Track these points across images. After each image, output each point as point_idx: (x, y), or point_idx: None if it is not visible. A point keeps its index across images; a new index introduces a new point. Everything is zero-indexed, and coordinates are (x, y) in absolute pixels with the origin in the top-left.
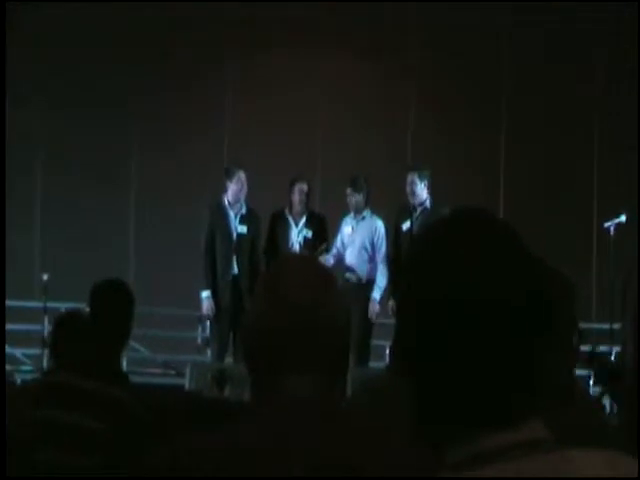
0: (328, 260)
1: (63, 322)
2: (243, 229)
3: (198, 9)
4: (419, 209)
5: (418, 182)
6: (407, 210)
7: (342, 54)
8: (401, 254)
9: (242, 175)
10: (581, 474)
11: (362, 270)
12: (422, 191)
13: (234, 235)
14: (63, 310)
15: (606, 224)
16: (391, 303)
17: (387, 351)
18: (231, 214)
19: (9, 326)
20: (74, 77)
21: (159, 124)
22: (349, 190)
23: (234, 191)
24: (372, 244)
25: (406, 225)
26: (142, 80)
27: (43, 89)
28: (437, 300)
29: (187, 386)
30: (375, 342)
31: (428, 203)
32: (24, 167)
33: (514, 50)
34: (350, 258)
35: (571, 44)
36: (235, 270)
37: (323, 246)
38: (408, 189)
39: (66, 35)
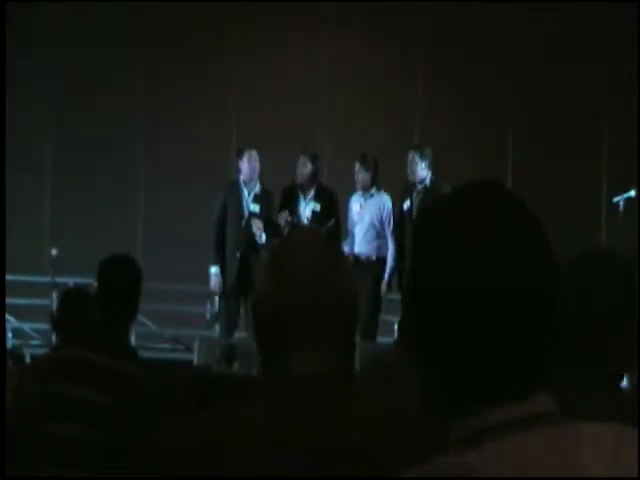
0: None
1: (67, 298)
2: (255, 208)
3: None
4: (419, 187)
5: (419, 161)
6: (407, 189)
7: (344, 35)
8: (403, 233)
9: (254, 153)
10: (585, 447)
11: (371, 247)
12: (422, 170)
13: (245, 213)
14: (72, 285)
15: (615, 199)
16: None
17: (395, 326)
18: (245, 193)
19: (18, 301)
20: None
21: (164, 114)
22: (357, 166)
23: (246, 169)
24: (381, 221)
25: (406, 204)
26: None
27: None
28: (440, 281)
29: (196, 361)
30: (383, 317)
31: (428, 181)
32: (34, 142)
33: (523, 29)
34: (359, 235)
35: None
36: (244, 248)
37: (331, 222)
38: (408, 168)
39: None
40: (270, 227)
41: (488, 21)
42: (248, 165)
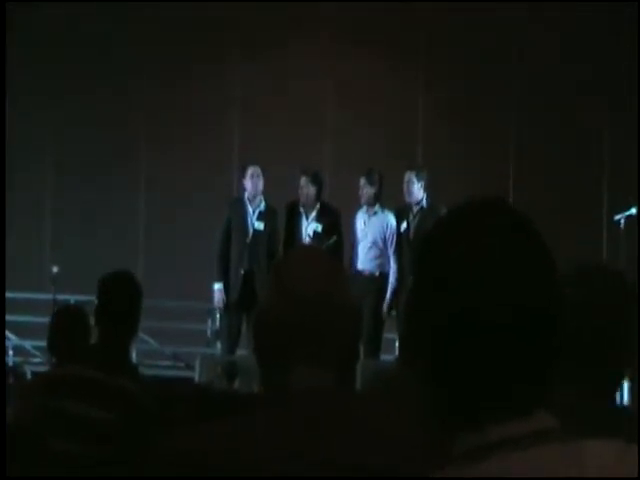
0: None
1: (59, 316)
2: (260, 225)
3: (198, 9)
4: (415, 209)
5: (415, 181)
6: (404, 211)
7: (344, 38)
8: (401, 254)
9: (257, 170)
10: (588, 464)
11: (374, 264)
12: (419, 190)
13: (250, 231)
14: (72, 302)
15: (616, 217)
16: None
17: (397, 344)
18: (249, 210)
19: (19, 318)
20: (75, 76)
21: (167, 120)
22: (363, 181)
23: (249, 186)
24: (384, 239)
25: (403, 226)
26: (145, 80)
27: (48, 84)
28: (439, 299)
29: (196, 378)
30: (385, 335)
31: (425, 203)
32: (35, 160)
33: (524, 45)
34: (362, 252)
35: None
36: (247, 265)
37: (332, 239)
38: (405, 188)
39: (66, 35)
40: (272, 245)
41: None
42: (251, 182)
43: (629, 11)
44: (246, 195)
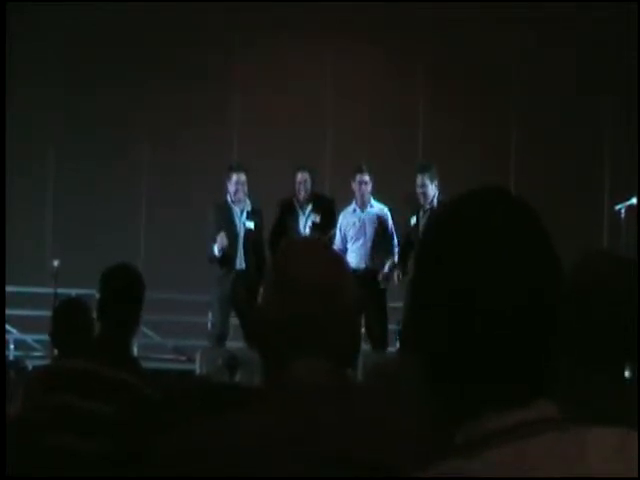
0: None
1: (61, 309)
2: (251, 224)
3: (200, 6)
4: (427, 206)
5: (429, 183)
6: (416, 205)
7: (346, 43)
8: (407, 248)
9: (242, 177)
10: (589, 452)
11: (377, 260)
12: (432, 190)
13: (242, 231)
14: (73, 296)
15: (617, 207)
16: (397, 272)
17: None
18: (237, 210)
19: (20, 312)
20: (76, 73)
21: (167, 118)
22: (363, 177)
23: (233, 191)
24: (383, 233)
25: (413, 220)
26: (145, 78)
27: (47, 93)
28: (442, 290)
29: (198, 371)
30: (389, 327)
31: (435, 201)
32: (36, 155)
33: (524, 38)
34: (362, 250)
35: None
36: (240, 265)
37: (332, 232)
38: (419, 191)
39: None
40: (263, 243)
41: (488, 22)
42: (233, 188)
43: (629, 11)
44: (229, 198)
